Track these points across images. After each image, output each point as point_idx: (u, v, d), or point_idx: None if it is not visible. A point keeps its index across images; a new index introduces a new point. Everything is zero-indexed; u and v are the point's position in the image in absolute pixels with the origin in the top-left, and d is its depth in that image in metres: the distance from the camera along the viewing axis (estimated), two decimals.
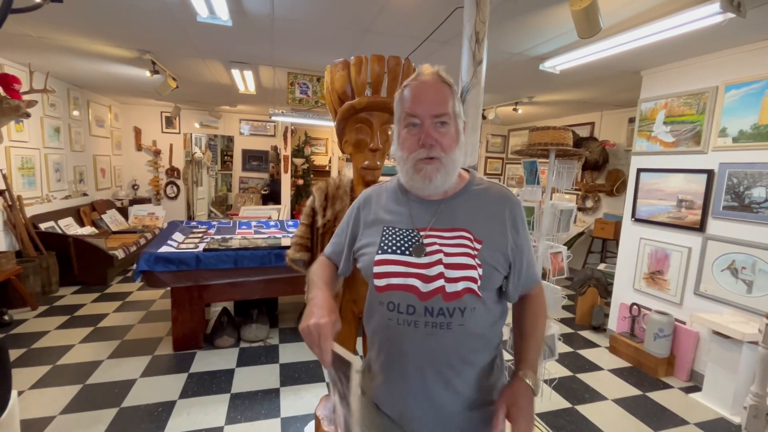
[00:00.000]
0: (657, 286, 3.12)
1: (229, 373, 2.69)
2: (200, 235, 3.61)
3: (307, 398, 2.44)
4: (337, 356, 0.79)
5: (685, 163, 2.91)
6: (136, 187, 6.78)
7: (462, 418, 0.87)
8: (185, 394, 2.44)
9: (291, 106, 4.21)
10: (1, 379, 1.37)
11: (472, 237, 0.87)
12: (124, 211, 5.97)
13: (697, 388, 2.74)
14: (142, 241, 5.08)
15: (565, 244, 2.58)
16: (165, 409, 2.28)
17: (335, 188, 1.61)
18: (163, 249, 2.94)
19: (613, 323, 3.48)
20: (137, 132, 6.70)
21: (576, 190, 5.36)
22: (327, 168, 7.76)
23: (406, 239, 0.89)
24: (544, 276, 2.31)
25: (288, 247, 1.70)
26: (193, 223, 4.24)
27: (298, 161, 6.86)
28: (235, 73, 3.91)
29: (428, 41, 2.76)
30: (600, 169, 5.08)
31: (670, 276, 3.01)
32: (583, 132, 5.34)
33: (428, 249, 0.86)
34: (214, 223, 4.31)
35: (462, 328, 0.83)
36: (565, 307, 4.11)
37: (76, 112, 5.09)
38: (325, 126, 6.79)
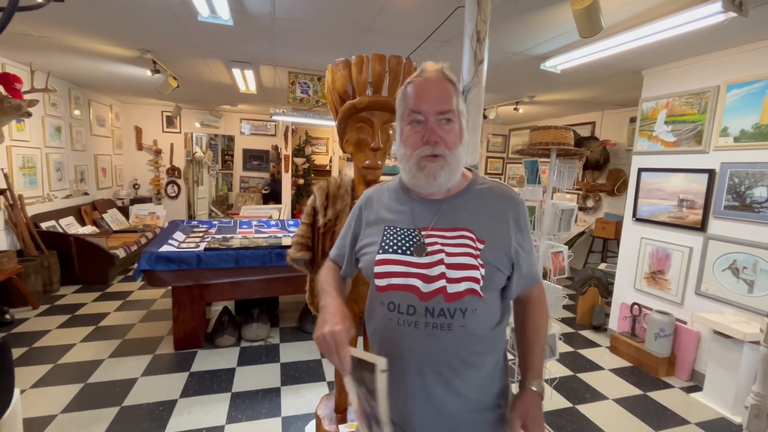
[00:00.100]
0: (658, 286, 3.11)
1: (229, 373, 2.69)
2: (201, 234, 3.61)
3: (308, 397, 2.44)
4: (357, 360, 0.78)
5: (687, 162, 2.90)
6: (137, 187, 6.78)
7: (465, 421, 0.87)
8: (186, 393, 2.44)
9: (292, 106, 4.21)
10: (3, 378, 1.37)
11: (474, 237, 0.86)
12: (125, 211, 5.98)
13: (698, 388, 2.74)
14: (143, 241, 5.09)
15: (566, 244, 2.58)
16: (166, 408, 2.28)
17: (336, 187, 1.61)
18: (164, 248, 2.94)
19: (614, 323, 3.48)
20: (138, 131, 6.70)
21: (577, 189, 5.35)
22: (328, 167, 7.76)
23: (407, 239, 0.88)
24: (545, 276, 2.31)
25: (289, 247, 1.70)
26: (194, 223, 4.25)
27: (299, 161, 6.86)
28: (236, 72, 3.91)
29: (429, 41, 2.75)
30: (601, 169, 5.08)
31: (671, 276, 3.01)
32: (584, 131, 5.33)
33: (430, 249, 0.85)
34: (215, 222, 4.32)
35: (463, 330, 0.82)
36: (565, 307, 4.11)
37: (77, 112, 5.10)
38: (325, 125, 6.79)
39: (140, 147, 6.75)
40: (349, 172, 1.65)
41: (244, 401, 2.39)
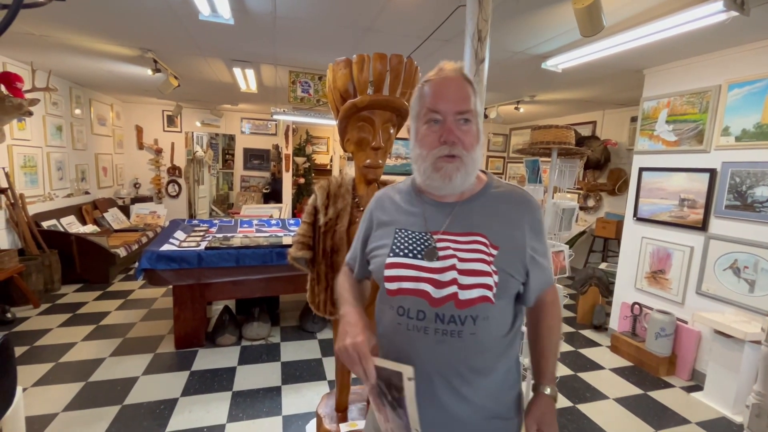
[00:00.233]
0: (659, 286, 3.11)
1: (230, 371, 2.69)
2: (202, 233, 3.61)
3: (309, 396, 2.45)
4: (381, 370, 0.78)
5: (688, 162, 2.90)
6: (137, 186, 6.79)
7: (475, 429, 0.85)
8: (187, 391, 2.44)
9: (292, 105, 4.21)
10: (6, 375, 1.37)
11: (488, 242, 0.83)
12: (125, 210, 5.99)
13: (698, 388, 2.74)
14: (144, 240, 5.09)
15: (566, 243, 2.58)
16: (167, 407, 2.29)
17: (337, 187, 1.61)
18: (165, 247, 2.94)
19: (615, 322, 3.48)
20: (139, 130, 6.71)
21: (578, 189, 5.35)
22: (328, 167, 7.77)
23: (418, 242, 0.86)
24: None
25: (289, 246, 1.70)
26: (195, 222, 4.25)
27: (300, 160, 6.86)
28: (237, 71, 3.91)
29: (430, 40, 2.75)
30: (602, 168, 5.07)
31: (672, 275, 3.00)
32: (585, 131, 5.33)
33: (441, 253, 0.83)
34: (216, 221, 4.32)
35: (473, 337, 0.80)
36: (566, 306, 4.11)
37: (78, 111, 5.10)
38: (326, 125, 6.79)
39: (141, 146, 6.75)
40: (350, 171, 1.65)
41: (245, 400, 2.39)
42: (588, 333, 3.63)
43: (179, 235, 3.42)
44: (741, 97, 2.57)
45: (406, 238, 0.88)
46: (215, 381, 2.57)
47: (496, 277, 0.80)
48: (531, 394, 0.95)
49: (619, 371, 2.96)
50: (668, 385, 2.79)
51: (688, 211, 2.89)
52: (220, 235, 3.47)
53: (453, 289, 0.80)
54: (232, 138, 7.75)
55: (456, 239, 0.84)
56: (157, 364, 2.75)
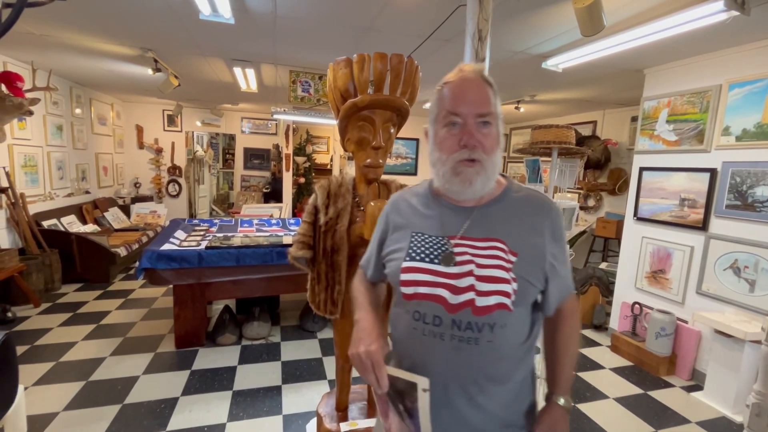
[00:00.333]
0: (659, 285, 3.11)
1: (231, 371, 2.70)
2: (202, 233, 3.62)
3: (309, 395, 2.45)
4: (394, 379, 0.77)
5: (688, 161, 2.90)
6: (138, 185, 6.80)
7: None
8: (187, 391, 2.45)
9: (293, 105, 4.21)
10: (8, 374, 1.37)
11: (506, 248, 0.81)
12: (126, 209, 5.99)
13: (698, 387, 2.74)
14: (144, 239, 5.10)
15: (567, 243, 2.57)
16: (167, 406, 2.29)
17: (337, 186, 1.61)
18: (166, 247, 2.94)
19: (615, 322, 3.48)
20: (139, 130, 6.71)
21: (578, 188, 5.35)
22: (328, 166, 7.77)
23: (434, 247, 0.85)
24: None
25: (290, 245, 1.70)
26: (195, 221, 4.25)
27: (300, 159, 6.86)
28: (237, 71, 3.91)
29: (431, 39, 2.75)
30: (602, 168, 5.07)
31: (672, 275, 3.00)
32: (586, 130, 5.32)
33: (458, 258, 0.81)
34: (216, 221, 4.32)
35: (490, 345, 0.79)
36: None
37: (78, 110, 5.11)
38: (326, 124, 6.80)
39: (141, 146, 6.76)
40: (351, 170, 1.65)
41: (245, 399, 2.39)
42: (588, 332, 3.63)
43: (179, 234, 3.42)
44: (741, 96, 2.57)
45: (423, 243, 0.86)
46: (216, 380, 2.57)
47: (514, 285, 0.79)
48: (544, 403, 0.93)
49: (619, 371, 2.96)
50: (668, 385, 2.79)
51: (688, 211, 2.89)
52: (221, 235, 3.47)
53: (470, 295, 0.78)
54: (232, 137, 7.75)
55: (474, 244, 0.83)
56: (157, 363, 2.75)
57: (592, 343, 3.41)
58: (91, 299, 3.86)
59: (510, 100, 4.88)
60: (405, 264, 0.85)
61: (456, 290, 0.79)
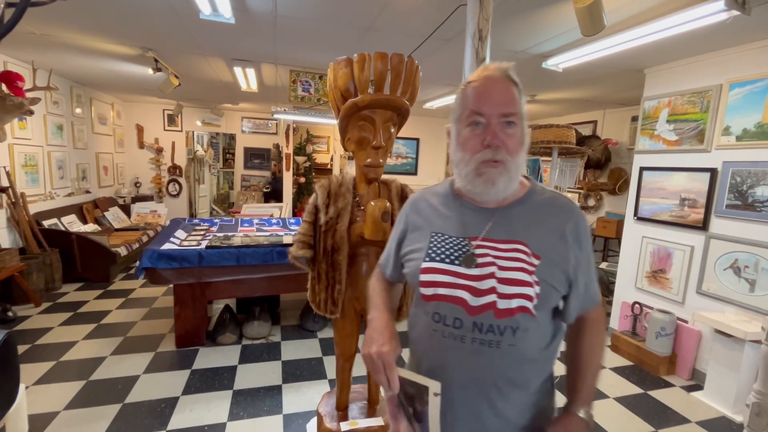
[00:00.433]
0: (659, 285, 3.11)
1: (231, 370, 2.70)
2: (202, 232, 3.62)
3: (309, 395, 2.45)
4: (406, 382, 0.77)
5: (688, 161, 2.90)
6: (138, 185, 6.80)
7: None
8: (188, 390, 2.45)
9: (293, 104, 4.21)
10: (9, 373, 1.38)
11: (529, 251, 0.80)
12: (126, 209, 5.99)
13: (698, 387, 2.74)
14: (145, 239, 5.10)
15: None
16: (168, 405, 2.29)
17: (338, 186, 1.62)
18: (166, 246, 2.94)
19: (615, 322, 3.48)
20: (139, 130, 6.71)
21: (578, 188, 5.35)
22: (329, 166, 7.77)
23: (455, 248, 0.84)
24: None
25: (290, 245, 1.70)
26: (196, 221, 4.26)
27: (300, 159, 6.86)
28: (238, 70, 3.91)
29: (431, 39, 2.75)
30: (602, 168, 5.07)
31: (673, 275, 3.00)
32: (586, 130, 5.32)
33: (480, 260, 0.80)
34: (216, 220, 4.32)
35: (512, 349, 0.78)
36: None
37: (78, 110, 5.11)
38: (326, 124, 6.79)
39: (142, 145, 6.76)
40: (351, 170, 1.65)
41: (246, 399, 2.39)
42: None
43: (180, 234, 3.42)
44: (742, 96, 2.57)
45: (443, 243, 0.85)
46: (216, 380, 2.58)
47: (537, 288, 0.77)
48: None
49: (619, 370, 2.96)
50: (668, 385, 2.79)
51: (688, 211, 2.89)
52: (221, 234, 3.47)
53: (492, 297, 0.77)
54: (232, 137, 7.75)
55: (496, 246, 0.81)
56: (157, 362, 2.75)
57: None
58: (92, 299, 3.87)
59: None
60: (424, 264, 0.84)
61: (477, 292, 0.78)
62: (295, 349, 3.03)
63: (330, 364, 2.84)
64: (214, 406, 2.30)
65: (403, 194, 1.69)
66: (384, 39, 2.84)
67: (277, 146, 7.49)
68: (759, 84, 2.48)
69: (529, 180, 0.91)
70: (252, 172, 7.64)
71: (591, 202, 5.31)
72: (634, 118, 4.58)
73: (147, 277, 2.81)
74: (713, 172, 2.72)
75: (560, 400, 0.93)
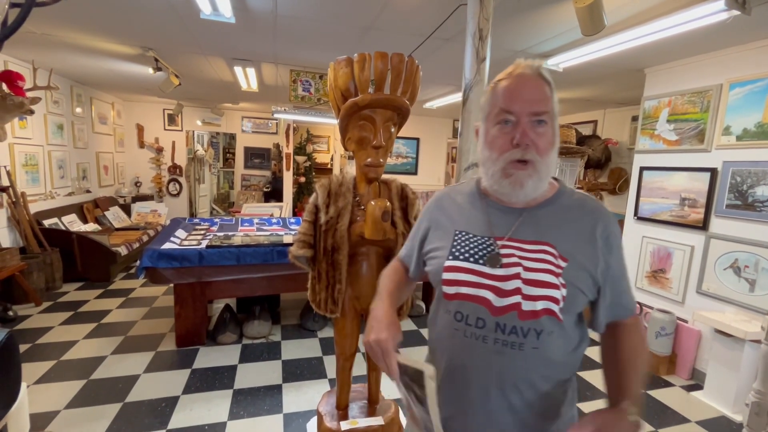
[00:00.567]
0: (659, 285, 3.11)
1: (231, 370, 2.70)
2: (203, 232, 3.62)
3: (310, 394, 2.45)
4: (404, 367, 0.78)
5: (689, 161, 2.90)
6: (138, 185, 6.80)
7: None
8: (188, 389, 2.45)
9: (293, 104, 4.21)
10: (10, 372, 1.38)
11: (556, 253, 0.78)
12: (126, 208, 6.00)
13: (698, 387, 2.74)
14: (145, 238, 5.10)
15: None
16: (168, 405, 2.30)
17: (338, 185, 1.62)
18: (166, 246, 2.95)
19: None
20: (140, 129, 6.71)
21: (578, 188, 5.35)
22: (329, 166, 7.77)
23: (480, 247, 0.82)
24: None
25: (290, 244, 1.71)
26: (196, 220, 4.26)
27: (300, 159, 6.86)
28: (238, 70, 3.91)
29: (431, 38, 2.75)
30: (602, 168, 5.07)
31: (673, 274, 3.00)
32: (586, 130, 5.32)
33: (505, 260, 0.78)
34: (217, 220, 4.32)
35: (536, 352, 0.76)
36: None
37: (79, 109, 5.11)
38: (327, 123, 6.79)
39: (142, 145, 6.76)
40: (351, 169, 1.65)
41: (246, 398, 2.40)
42: (588, 332, 3.63)
43: (180, 233, 3.43)
44: (742, 96, 2.57)
45: (467, 242, 0.84)
46: (216, 379, 2.58)
47: (563, 291, 0.75)
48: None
49: None
50: (668, 384, 2.79)
51: (688, 211, 2.89)
52: (221, 234, 3.47)
53: (516, 298, 0.76)
54: (232, 137, 7.76)
55: (522, 247, 0.80)
56: (158, 362, 2.76)
57: (592, 342, 3.40)
58: (92, 298, 3.87)
59: None
60: (448, 263, 0.83)
61: (501, 293, 0.77)
62: (296, 349, 3.04)
63: (330, 363, 2.84)
64: (215, 406, 2.31)
65: (403, 194, 1.69)
66: (384, 38, 2.84)
67: (277, 146, 7.49)
68: (759, 84, 2.48)
69: (558, 181, 0.90)
70: (252, 172, 7.65)
71: None
72: (635, 118, 4.58)
73: (147, 276, 2.81)
74: (713, 171, 2.73)
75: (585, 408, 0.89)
